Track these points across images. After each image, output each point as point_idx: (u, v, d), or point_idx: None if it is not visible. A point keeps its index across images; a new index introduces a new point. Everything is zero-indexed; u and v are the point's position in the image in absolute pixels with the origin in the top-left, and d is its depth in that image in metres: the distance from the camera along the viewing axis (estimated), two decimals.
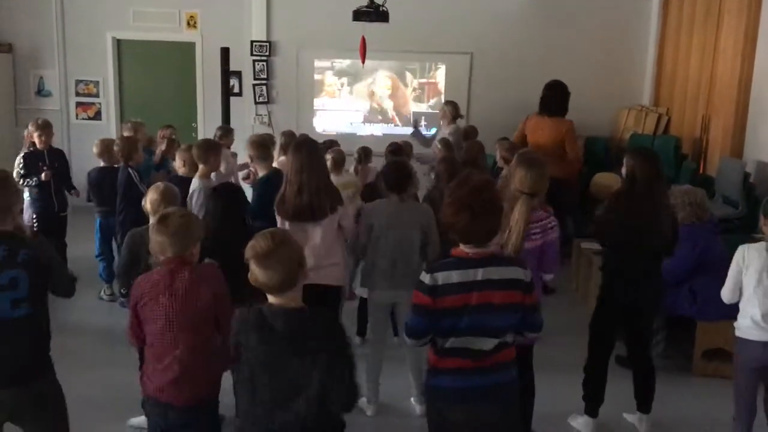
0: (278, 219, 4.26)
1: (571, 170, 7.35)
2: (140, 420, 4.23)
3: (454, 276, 2.78)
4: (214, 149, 5.31)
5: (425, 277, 2.81)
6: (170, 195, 4.04)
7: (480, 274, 2.79)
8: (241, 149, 7.21)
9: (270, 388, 2.57)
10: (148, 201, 4.03)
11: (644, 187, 4.05)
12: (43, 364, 3.06)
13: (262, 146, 5.25)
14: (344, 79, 9.75)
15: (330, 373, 2.52)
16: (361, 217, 4.46)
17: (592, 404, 4.33)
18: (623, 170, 4.23)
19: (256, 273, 2.54)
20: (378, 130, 9.76)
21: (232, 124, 8.05)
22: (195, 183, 5.09)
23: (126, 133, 6.75)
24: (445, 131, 7.82)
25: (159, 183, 4.20)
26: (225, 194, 4.09)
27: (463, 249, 2.85)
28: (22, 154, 6.55)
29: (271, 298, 2.59)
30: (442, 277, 2.78)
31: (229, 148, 6.98)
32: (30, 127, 6.57)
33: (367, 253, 4.42)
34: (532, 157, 3.89)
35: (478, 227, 2.79)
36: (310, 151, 4.21)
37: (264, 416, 2.59)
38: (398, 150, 6.50)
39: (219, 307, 2.99)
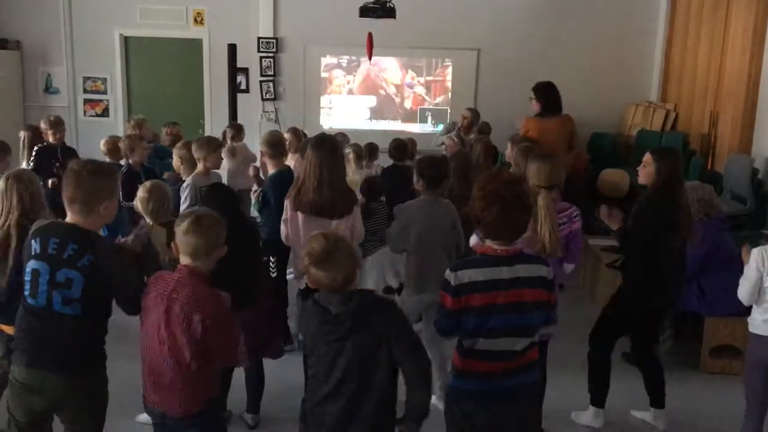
0: (289, 211, 4.23)
1: (577, 166, 7.33)
2: (147, 417, 4.24)
3: (481, 274, 2.76)
4: (211, 147, 5.22)
5: (450, 276, 2.78)
6: (158, 193, 3.96)
7: (508, 272, 2.77)
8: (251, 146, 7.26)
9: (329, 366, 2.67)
10: (138, 199, 3.97)
11: (674, 186, 4.03)
12: (89, 362, 3.02)
13: (275, 145, 5.27)
14: (350, 77, 9.73)
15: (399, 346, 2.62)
16: (396, 219, 4.36)
17: (599, 394, 4.29)
18: (646, 169, 4.10)
19: (318, 275, 2.59)
20: (386, 126, 9.76)
21: (239, 121, 8.06)
22: (188, 180, 5.06)
23: (129, 131, 6.75)
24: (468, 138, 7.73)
25: (148, 181, 4.13)
26: (222, 193, 4.05)
27: (491, 245, 2.82)
28: (34, 149, 6.55)
29: None
30: (469, 275, 2.76)
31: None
32: (42, 124, 6.59)
33: (409, 257, 4.33)
34: (543, 152, 3.89)
35: (508, 222, 2.77)
36: (332, 148, 4.19)
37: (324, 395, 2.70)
38: (402, 146, 6.50)
39: (211, 335, 2.82)
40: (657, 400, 4.37)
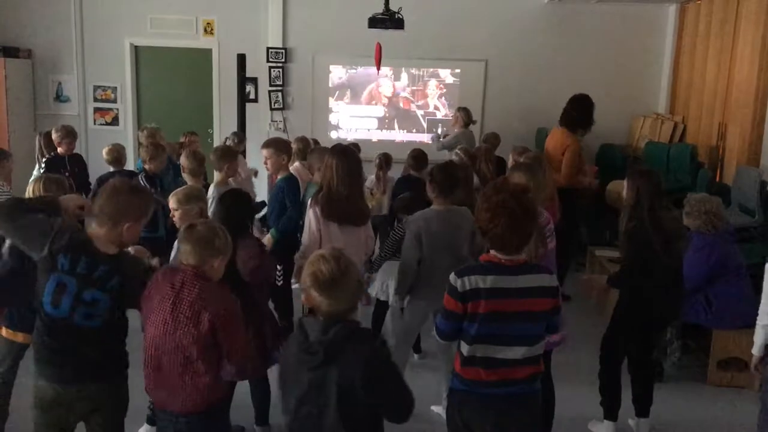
0: (312, 217, 4.27)
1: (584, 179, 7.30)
2: (148, 428, 4.20)
3: (487, 281, 2.78)
4: (228, 157, 5.32)
5: (456, 282, 2.80)
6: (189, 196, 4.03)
7: (514, 281, 2.79)
8: (256, 155, 7.25)
9: (294, 396, 2.48)
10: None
11: (650, 205, 4.09)
12: (116, 365, 3.07)
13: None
14: (359, 87, 9.76)
15: (367, 387, 2.35)
16: (408, 230, 4.25)
17: (611, 409, 4.35)
18: (624, 192, 4.25)
19: (318, 300, 2.37)
20: (396, 136, 9.78)
21: (248, 130, 8.11)
22: (211, 190, 5.12)
23: (143, 140, 6.76)
24: (460, 137, 7.81)
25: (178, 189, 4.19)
26: (228, 200, 4.10)
27: (496, 255, 2.84)
28: (43, 160, 6.60)
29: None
30: (475, 282, 2.78)
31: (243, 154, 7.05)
32: (54, 134, 6.62)
33: (422, 266, 4.20)
34: (525, 164, 3.97)
35: (514, 233, 2.78)
36: (356, 159, 4.33)
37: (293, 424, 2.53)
38: (422, 156, 6.39)
39: (221, 333, 2.86)
40: (642, 409, 4.39)
